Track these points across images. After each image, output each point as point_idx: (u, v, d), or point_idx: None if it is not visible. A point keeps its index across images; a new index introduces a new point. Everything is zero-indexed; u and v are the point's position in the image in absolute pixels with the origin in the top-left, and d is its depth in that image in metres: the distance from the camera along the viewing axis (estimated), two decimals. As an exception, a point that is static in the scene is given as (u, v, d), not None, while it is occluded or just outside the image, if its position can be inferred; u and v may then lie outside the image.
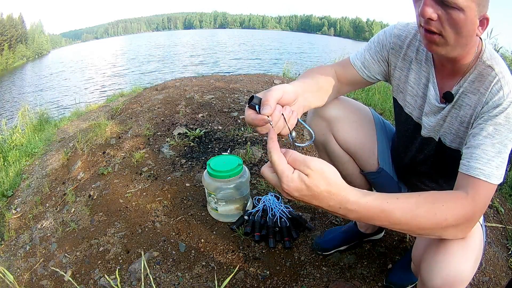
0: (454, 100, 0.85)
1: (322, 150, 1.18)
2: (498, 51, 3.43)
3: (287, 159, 0.59)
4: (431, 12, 0.71)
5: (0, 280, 1.49)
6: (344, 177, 1.23)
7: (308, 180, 0.57)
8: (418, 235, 0.67)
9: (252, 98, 0.69)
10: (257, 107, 0.68)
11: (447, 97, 0.86)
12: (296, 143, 0.75)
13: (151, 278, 0.89)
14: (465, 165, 0.74)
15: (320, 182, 0.58)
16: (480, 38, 0.81)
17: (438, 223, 0.65)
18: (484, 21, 0.73)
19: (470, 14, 0.70)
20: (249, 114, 0.69)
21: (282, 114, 0.69)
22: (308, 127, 0.82)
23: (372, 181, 1.23)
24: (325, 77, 0.96)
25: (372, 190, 1.30)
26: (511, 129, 0.74)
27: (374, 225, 0.65)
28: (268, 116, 0.67)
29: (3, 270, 0.88)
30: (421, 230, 0.66)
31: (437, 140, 0.94)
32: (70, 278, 1.22)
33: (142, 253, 0.99)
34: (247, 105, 0.70)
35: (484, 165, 0.71)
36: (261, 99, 0.69)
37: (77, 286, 0.92)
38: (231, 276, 0.91)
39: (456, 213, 0.66)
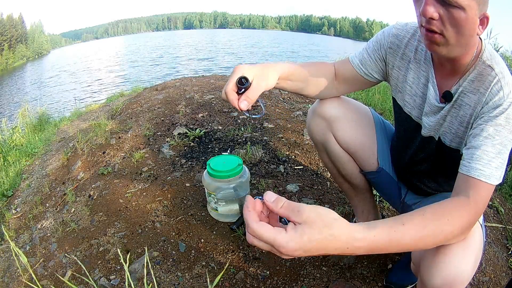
0: (454, 99, 0.85)
1: (322, 150, 1.18)
2: (498, 51, 3.43)
3: (279, 209, 0.56)
4: (433, 11, 0.71)
5: (4, 271, 1.49)
6: (344, 176, 1.24)
7: (307, 229, 0.53)
8: (425, 250, 0.67)
9: (245, 80, 0.80)
10: (242, 90, 0.80)
11: (446, 97, 0.86)
12: (252, 115, 0.91)
13: (153, 278, 0.89)
14: (465, 166, 0.74)
15: (320, 226, 0.53)
16: (480, 37, 0.81)
17: (445, 237, 0.66)
18: (484, 20, 0.73)
19: (471, 13, 0.70)
20: (231, 92, 0.81)
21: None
22: (262, 104, 0.91)
23: (372, 181, 1.23)
24: (319, 71, 1.01)
25: (371, 189, 1.31)
26: (511, 129, 0.74)
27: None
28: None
29: (18, 251, 0.88)
30: (428, 247, 0.66)
31: (436, 139, 0.94)
32: (67, 281, 1.22)
33: (146, 249, 0.99)
34: (234, 80, 0.80)
35: (485, 166, 0.71)
36: (249, 85, 0.81)
37: (98, 282, 0.92)
38: (222, 272, 0.91)
39: (461, 222, 0.67)
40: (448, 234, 0.65)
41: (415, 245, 0.63)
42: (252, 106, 0.82)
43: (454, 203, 0.70)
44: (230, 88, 0.80)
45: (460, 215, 0.67)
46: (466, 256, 0.72)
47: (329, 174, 1.89)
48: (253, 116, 0.89)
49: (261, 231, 0.54)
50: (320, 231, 0.53)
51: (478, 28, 0.73)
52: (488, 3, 0.73)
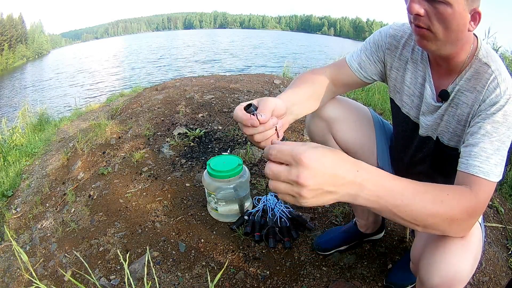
0: (450, 98, 0.85)
1: None
2: (497, 51, 3.42)
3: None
4: (418, 8, 0.72)
5: (4, 270, 1.49)
6: None
7: (319, 147, 0.54)
8: (424, 227, 0.65)
9: (249, 105, 0.73)
10: (255, 113, 0.72)
11: (443, 96, 0.86)
12: None
13: (155, 278, 0.89)
14: (464, 163, 0.74)
15: (331, 149, 0.56)
16: (476, 35, 0.81)
17: (444, 212, 0.64)
18: (476, 16, 0.72)
19: (458, 8, 0.69)
20: (241, 113, 0.72)
21: (276, 127, 0.73)
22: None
23: (372, 181, 1.22)
24: (316, 84, 0.97)
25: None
26: (509, 126, 0.73)
27: (380, 214, 0.61)
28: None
29: (19, 250, 0.88)
30: (428, 218, 0.63)
31: (435, 139, 0.94)
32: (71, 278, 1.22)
33: (148, 249, 0.99)
34: (241, 107, 0.73)
35: (483, 162, 0.71)
36: (257, 107, 0.73)
37: (82, 285, 0.92)
38: (222, 271, 0.91)
39: (460, 204, 0.65)
40: (447, 209, 0.63)
41: (416, 206, 0.61)
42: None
43: (455, 186, 0.70)
44: (240, 113, 0.72)
45: (460, 197, 0.66)
46: (465, 255, 0.72)
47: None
48: None
49: (281, 146, 0.55)
50: (332, 150, 0.56)
51: (469, 24, 0.73)
52: None
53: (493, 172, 0.71)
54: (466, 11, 0.71)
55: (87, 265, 0.91)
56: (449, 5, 0.69)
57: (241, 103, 0.75)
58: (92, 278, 0.92)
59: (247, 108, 0.72)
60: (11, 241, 1.72)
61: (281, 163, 0.55)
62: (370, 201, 0.58)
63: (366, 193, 0.57)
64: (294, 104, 0.87)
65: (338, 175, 0.54)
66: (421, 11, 0.72)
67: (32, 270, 0.94)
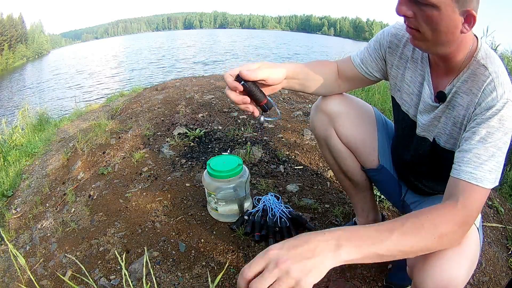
0: (447, 99, 0.84)
1: (324, 146, 1.19)
2: (495, 50, 3.41)
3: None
4: (405, 10, 0.73)
5: (4, 271, 1.49)
6: (345, 173, 1.25)
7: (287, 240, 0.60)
8: (416, 253, 0.66)
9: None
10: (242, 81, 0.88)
11: (440, 97, 0.85)
12: (265, 120, 0.96)
13: (153, 278, 0.89)
14: (456, 169, 0.72)
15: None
16: (476, 36, 0.80)
17: (428, 234, 0.64)
18: (470, 18, 0.70)
19: (445, 10, 0.69)
20: (228, 76, 0.87)
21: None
22: (276, 108, 0.97)
23: (373, 178, 1.23)
24: (323, 69, 1.03)
25: (372, 188, 1.31)
26: (505, 131, 0.71)
27: (369, 262, 0.63)
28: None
29: (16, 253, 0.88)
30: (414, 246, 0.64)
31: (431, 140, 0.94)
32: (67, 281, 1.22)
33: (146, 249, 0.99)
34: (233, 77, 0.86)
35: (476, 169, 0.70)
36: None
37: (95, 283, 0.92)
38: (222, 272, 0.91)
39: (446, 219, 0.65)
40: (431, 230, 0.64)
41: (399, 242, 0.62)
42: (265, 110, 0.89)
43: (438, 206, 0.68)
44: (228, 73, 0.87)
45: (442, 214, 0.66)
46: (460, 261, 0.71)
47: (330, 174, 1.89)
48: (268, 119, 0.97)
49: (248, 266, 0.58)
50: (301, 234, 0.61)
51: (463, 26, 0.71)
52: (472, 0, 0.69)
53: (487, 178, 0.69)
54: (456, 13, 0.69)
55: (83, 268, 0.91)
56: (436, 7, 0.68)
57: (233, 69, 0.87)
58: (90, 281, 0.92)
59: (239, 76, 0.85)
60: (11, 241, 1.73)
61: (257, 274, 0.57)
62: (353, 253, 0.60)
63: (345, 247, 0.59)
64: (294, 78, 0.98)
65: (309, 241, 0.59)
66: (408, 13, 0.73)
67: (29, 273, 0.94)
